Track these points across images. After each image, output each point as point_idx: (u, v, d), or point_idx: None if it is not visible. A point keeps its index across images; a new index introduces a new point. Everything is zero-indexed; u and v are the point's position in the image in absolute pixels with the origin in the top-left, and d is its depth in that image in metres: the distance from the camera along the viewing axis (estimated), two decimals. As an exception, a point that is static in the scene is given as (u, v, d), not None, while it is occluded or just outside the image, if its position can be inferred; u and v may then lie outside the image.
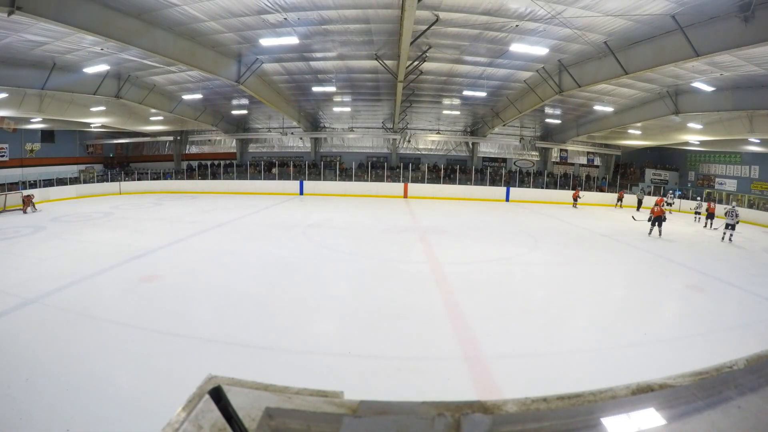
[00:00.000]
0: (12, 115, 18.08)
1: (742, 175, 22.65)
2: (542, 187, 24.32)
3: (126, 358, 4.32)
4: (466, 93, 18.52)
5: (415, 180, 24.63)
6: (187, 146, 28.89)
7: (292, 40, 12.95)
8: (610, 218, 17.66)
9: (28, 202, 15.25)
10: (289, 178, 24.87)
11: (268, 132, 26.56)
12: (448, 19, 11.59)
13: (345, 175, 25.22)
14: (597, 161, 27.69)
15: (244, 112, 24.23)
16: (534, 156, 27.27)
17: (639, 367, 4.29)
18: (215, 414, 0.51)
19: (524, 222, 15.57)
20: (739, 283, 7.88)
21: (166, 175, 25.25)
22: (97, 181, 23.28)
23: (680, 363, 4.16)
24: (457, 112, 23.62)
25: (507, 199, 23.17)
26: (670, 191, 23.06)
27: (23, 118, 19.87)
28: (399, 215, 16.29)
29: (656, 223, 13.09)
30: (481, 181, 24.77)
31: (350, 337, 5.09)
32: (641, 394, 0.57)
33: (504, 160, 27.29)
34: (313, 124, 25.95)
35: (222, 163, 26.07)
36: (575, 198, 21.68)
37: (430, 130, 25.95)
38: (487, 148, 27.11)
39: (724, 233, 13.00)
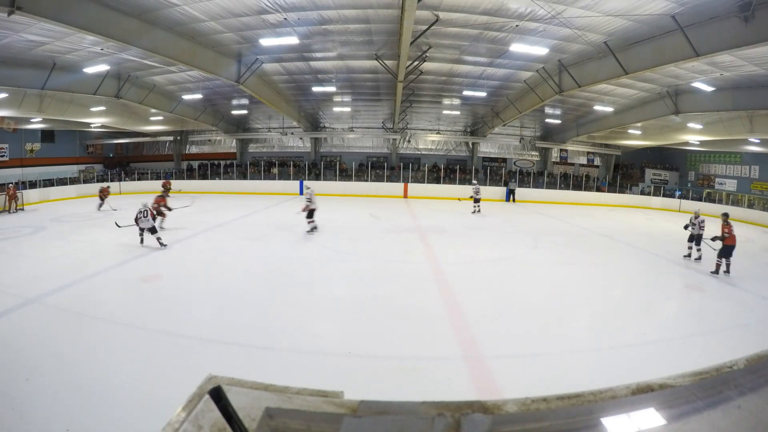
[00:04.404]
0: (12, 115, 18.07)
1: (742, 175, 22.66)
2: (542, 187, 24.33)
3: (126, 358, 4.32)
4: (466, 93, 18.52)
5: (415, 180, 24.63)
6: (187, 146, 28.88)
7: (292, 40, 12.95)
8: (609, 218, 17.66)
9: (12, 197, 14.80)
10: (289, 178, 24.87)
11: (268, 132, 26.56)
12: (448, 19, 11.59)
13: (345, 175, 25.21)
14: (597, 161, 27.69)
15: (244, 112, 24.22)
16: (534, 156, 27.27)
17: (639, 367, 4.29)
18: (215, 414, 0.51)
19: (524, 222, 15.57)
20: (739, 282, 7.88)
21: (166, 175, 25.23)
22: (97, 181, 23.23)
23: (680, 363, 4.17)
24: (457, 112, 23.62)
25: (507, 200, 23.16)
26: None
27: (23, 118, 19.86)
28: (399, 215, 16.28)
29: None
30: (481, 182, 24.77)
31: (350, 337, 5.09)
32: (641, 394, 0.58)
33: (504, 160, 27.29)
34: (313, 124, 25.94)
35: (222, 163, 26.07)
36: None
37: (430, 130, 25.95)
38: (487, 148, 27.10)
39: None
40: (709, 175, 24.59)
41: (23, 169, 22.43)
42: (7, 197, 14.84)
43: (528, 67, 15.62)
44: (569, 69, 14.35)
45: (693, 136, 19.98)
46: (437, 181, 24.84)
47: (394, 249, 10.16)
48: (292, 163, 25.97)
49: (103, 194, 16.20)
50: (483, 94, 18.02)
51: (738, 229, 15.36)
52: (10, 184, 15.50)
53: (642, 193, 24.98)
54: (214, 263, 8.37)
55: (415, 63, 14.42)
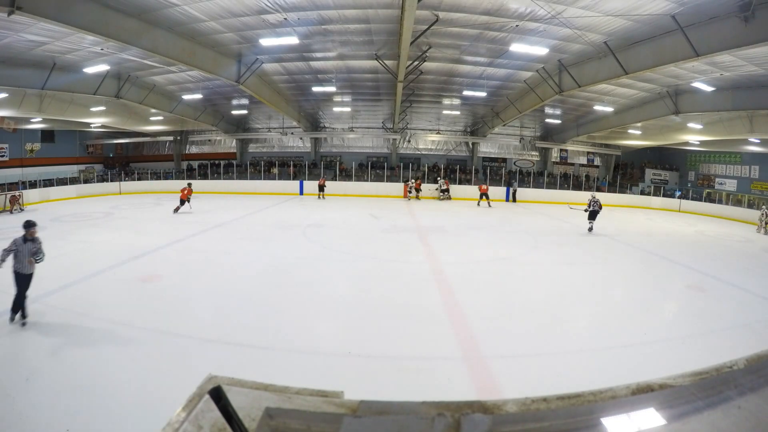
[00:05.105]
0: (12, 115, 18.07)
1: (742, 175, 22.66)
2: (542, 187, 24.34)
3: (126, 358, 4.32)
4: (466, 93, 18.53)
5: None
6: (187, 146, 28.89)
7: (292, 40, 12.96)
8: (609, 218, 17.65)
9: (14, 201, 15.18)
10: (289, 178, 24.87)
11: (268, 132, 26.56)
12: (448, 19, 11.59)
13: (345, 175, 25.22)
14: (597, 161, 27.70)
15: (244, 112, 24.23)
16: (534, 156, 27.28)
17: (639, 367, 4.29)
18: (215, 414, 0.51)
19: (524, 222, 15.57)
20: (739, 283, 7.88)
21: (166, 175, 25.24)
22: (97, 181, 23.27)
23: (680, 363, 4.16)
24: (457, 112, 23.62)
25: (507, 199, 23.17)
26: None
27: (23, 118, 19.87)
28: (399, 215, 16.28)
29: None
30: (482, 182, 24.78)
31: (350, 337, 5.09)
32: (641, 394, 0.57)
33: (504, 160, 27.30)
34: (313, 124, 25.95)
35: (222, 163, 26.07)
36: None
37: (430, 130, 25.96)
38: (487, 148, 27.11)
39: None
40: (709, 175, 24.59)
41: (23, 169, 22.43)
42: (12, 201, 15.04)
43: (528, 67, 15.62)
44: (569, 69, 14.35)
45: (693, 136, 19.98)
46: (437, 181, 24.81)
47: (394, 249, 10.15)
48: (292, 163, 25.97)
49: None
50: (483, 94, 18.02)
51: (738, 230, 15.43)
52: (17, 193, 15.62)
53: (642, 193, 24.97)
54: (214, 263, 8.36)
55: (415, 63, 14.42)
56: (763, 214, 15.67)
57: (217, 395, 0.54)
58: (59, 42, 12.49)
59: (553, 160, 27.07)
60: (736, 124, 16.90)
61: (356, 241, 11.05)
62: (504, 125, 22.96)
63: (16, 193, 15.71)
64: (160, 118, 23.08)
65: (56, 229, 11.71)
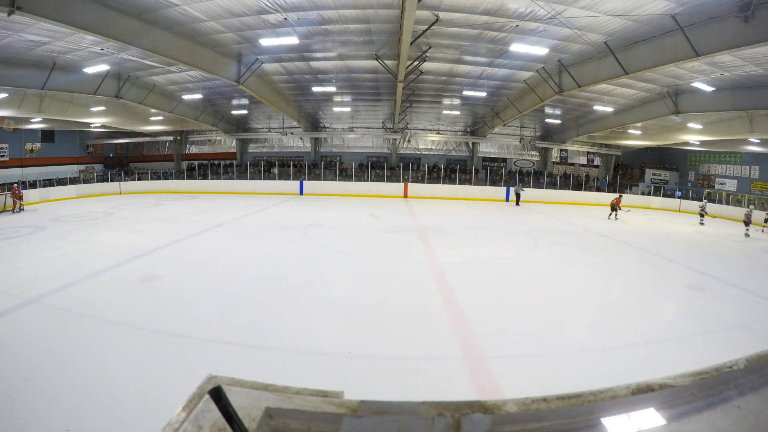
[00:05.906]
0: (12, 115, 18.08)
1: (742, 175, 22.66)
2: (542, 187, 24.34)
3: (126, 358, 4.32)
4: (466, 93, 18.53)
5: (415, 180, 24.64)
6: (187, 146, 28.89)
7: (292, 40, 12.96)
8: (608, 218, 17.64)
9: (16, 195, 15.05)
10: (289, 178, 24.88)
11: (268, 132, 26.57)
12: (448, 19, 11.59)
13: (345, 175, 25.22)
14: (597, 161, 27.69)
15: (244, 112, 24.24)
16: (534, 156, 27.27)
17: (639, 367, 4.29)
18: (215, 414, 0.51)
19: (524, 222, 15.57)
20: (739, 283, 7.88)
21: (166, 175, 25.25)
22: (97, 181, 23.28)
23: (680, 363, 4.16)
24: (457, 112, 23.62)
25: (507, 199, 23.17)
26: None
27: (23, 118, 19.87)
28: (399, 215, 16.28)
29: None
30: (482, 182, 24.81)
31: (350, 336, 5.09)
32: (641, 394, 0.57)
33: (504, 160, 27.30)
34: (313, 124, 25.95)
35: (222, 163, 26.08)
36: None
37: (430, 130, 25.96)
38: (487, 148, 27.11)
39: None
40: (709, 175, 24.59)
41: (23, 169, 22.43)
42: (13, 196, 14.99)
43: (528, 67, 15.61)
44: (569, 69, 14.35)
45: (693, 136, 19.98)
46: (437, 181, 24.84)
47: (394, 249, 10.15)
48: (292, 163, 25.97)
49: None
50: (483, 94, 18.02)
51: (738, 229, 15.40)
52: (15, 185, 15.58)
53: (642, 193, 24.98)
54: (214, 263, 8.36)
55: (415, 63, 14.42)
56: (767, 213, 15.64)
57: (217, 395, 0.54)
58: (59, 42, 12.49)
59: (553, 160, 27.07)
60: (736, 124, 16.90)
61: (356, 241, 11.05)
62: (504, 125, 22.96)
63: (15, 183, 15.61)
64: (160, 118, 23.09)
65: (56, 229, 11.71)
